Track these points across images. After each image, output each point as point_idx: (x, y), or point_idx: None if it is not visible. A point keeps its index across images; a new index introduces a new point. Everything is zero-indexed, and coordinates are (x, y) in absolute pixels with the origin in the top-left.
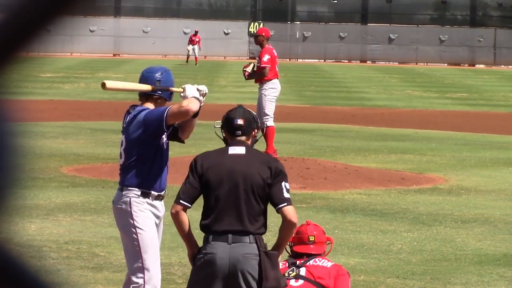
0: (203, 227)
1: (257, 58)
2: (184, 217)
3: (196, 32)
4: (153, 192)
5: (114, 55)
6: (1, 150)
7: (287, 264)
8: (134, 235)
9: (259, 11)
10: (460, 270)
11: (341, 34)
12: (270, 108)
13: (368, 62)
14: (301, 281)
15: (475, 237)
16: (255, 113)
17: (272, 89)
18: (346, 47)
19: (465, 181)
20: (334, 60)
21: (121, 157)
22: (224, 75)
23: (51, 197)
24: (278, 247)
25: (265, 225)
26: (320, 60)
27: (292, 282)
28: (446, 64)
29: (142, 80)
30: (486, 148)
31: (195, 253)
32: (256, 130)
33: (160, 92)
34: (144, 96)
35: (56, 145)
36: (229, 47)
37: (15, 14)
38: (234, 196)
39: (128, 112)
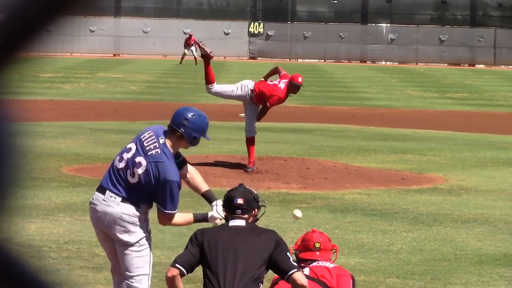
0: None
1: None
2: (179, 283)
3: (190, 36)
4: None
5: (114, 55)
6: (1, 150)
7: None
8: None
9: (259, 11)
10: (460, 270)
11: (341, 34)
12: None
13: (368, 62)
14: None
15: (475, 237)
16: (256, 192)
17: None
18: (346, 47)
19: (465, 181)
20: (334, 60)
21: (133, 176)
22: (224, 75)
23: (51, 197)
24: None
25: (261, 283)
26: (320, 60)
27: None
28: (446, 64)
29: (174, 115)
30: (486, 148)
31: None
32: (256, 210)
33: (183, 130)
34: (170, 130)
35: (56, 145)
36: (229, 47)
37: (15, 14)
38: (233, 262)
39: (152, 135)
